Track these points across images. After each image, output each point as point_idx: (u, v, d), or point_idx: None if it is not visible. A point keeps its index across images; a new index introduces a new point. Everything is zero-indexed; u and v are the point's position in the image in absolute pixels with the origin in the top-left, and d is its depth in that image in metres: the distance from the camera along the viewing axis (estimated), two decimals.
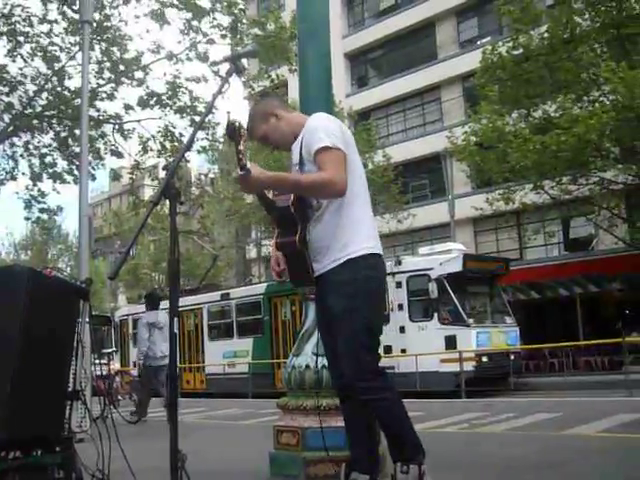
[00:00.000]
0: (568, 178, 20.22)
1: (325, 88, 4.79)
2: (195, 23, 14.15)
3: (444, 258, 17.15)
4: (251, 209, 31.17)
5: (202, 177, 27.32)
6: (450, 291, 16.63)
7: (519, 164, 18.51)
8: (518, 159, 18.38)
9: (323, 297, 3.42)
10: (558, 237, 26.49)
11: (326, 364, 4.33)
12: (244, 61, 3.33)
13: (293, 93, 28.36)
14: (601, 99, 18.56)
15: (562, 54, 18.25)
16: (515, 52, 19.45)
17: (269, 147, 3.76)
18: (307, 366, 4.47)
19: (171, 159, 14.33)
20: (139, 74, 14.28)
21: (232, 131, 3.02)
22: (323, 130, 3.33)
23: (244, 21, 14.55)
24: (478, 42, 28.94)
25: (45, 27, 13.89)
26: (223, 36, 14.34)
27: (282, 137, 3.57)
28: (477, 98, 21.98)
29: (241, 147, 3.01)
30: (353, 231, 3.36)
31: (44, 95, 14.45)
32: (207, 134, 15.15)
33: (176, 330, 2.94)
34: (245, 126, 3.58)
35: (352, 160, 3.38)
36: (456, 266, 16.82)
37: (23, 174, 14.96)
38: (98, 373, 9.81)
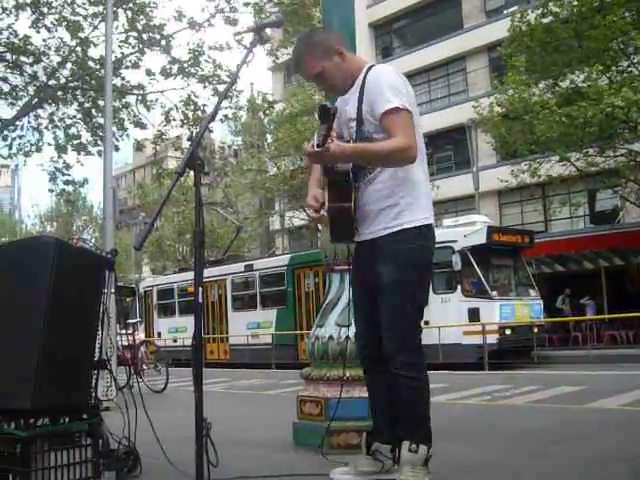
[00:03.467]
0: (595, 150, 19.96)
1: None
2: None
3: (468, 230, 17.06)
4: (275, 182, 31.18)
5: (226, 147, 27.25)
6: (474, 263, 16.55)
7: (545, 136, 18.31)
8: (544, 131, 18.17)
9: (370, 263, 3.21)
10: (584, 210, 26.23)
11: (350, 335, 4.17)
12: (268, 31, 3.28)
13: None
14: (630, 69, 18.25)
15: (592, 21, 17.92)
16: (544, 20, 19.13)
17: (319, 85, 3.42)
18: (331, 337, 4.48)
19: (194, 129, 14.33)
20: (163, 43, 14.25)
21: (327, 114, 2.87)
22: (391, 88, 3.05)
23: None
24: (505, 11, 28.48)
25: None
26: (246, 4, 14.25)
27: (343, 80, 3.22)
28: (503, 68, 21.70)
29: (333, 133, 2.94)
30: (410, 198, 3.16)
31: (68, 66, 14.48)
32: (230, 103, 15.14)
33: (200, 300, 2.96)
34: (296, 57, 3.31)
35: (416, 120, 3.13)
36: (480, 238, 16.73)
37: (49, 144, 15.04)
38: (123, 343, 9.93)
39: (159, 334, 25.01)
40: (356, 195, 3.15)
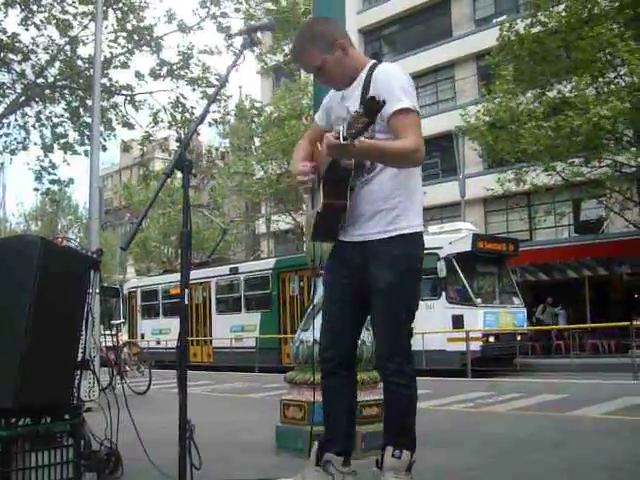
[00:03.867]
0: (580, 160, 20.10)
1: None
2: None
3: (454, 237, 17.12)
4: (261, 185, 31.15)
5: (213, 150, 27.18)
6: (459, 270, 16.61)
7: (531, 149, 18.43)
8: (530, 143, 18.29)
9: (359, 264, 3.11)
10: (568, 219, 26.38)
11: None
12: (259, 34, 3.26)
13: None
14: (616, 81, 18.39)
15: (580, 32, 18.04)
16: (533, 30, 19.26)
17: (317, 78, 3.27)
18: (315, 341, 4.47)
19: (182, 131, 14.33)
20: (153, 44, 14.24)
21: (376, 108, 2.56)
22: (401, 88, 2.96)
23: None
24: (494, 20, 28.63)
25: None
26: (237, 10, 14.28)
27: (343, 75, 3.10)
28: (491, 77, 21.82)
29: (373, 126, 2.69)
30: (408, 203, 3.09)
31: (57, 64, 14.44)
32: (219, 106, 15.14)
33: (186, 302, 2.95)
34: (297, 48, 3.15)
35: None
36: (465, 245, 16.79)
37: (35, 144, 14.99)
38: (107, 344, 9.88)
39: (142, 335, 24.89)
40: (351, 194, 3.03)
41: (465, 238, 17.02)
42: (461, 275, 16.67)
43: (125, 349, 12.49)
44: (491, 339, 16.44)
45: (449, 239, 16.98)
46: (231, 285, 22.62)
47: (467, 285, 16.72)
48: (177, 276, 2.98)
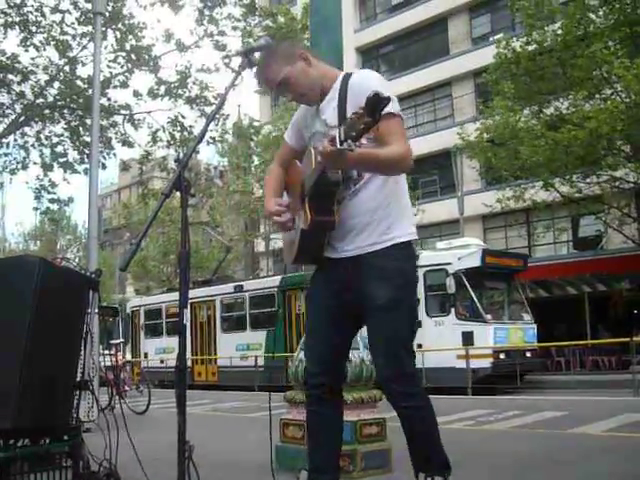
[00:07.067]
0: (578, 176, 20.14)
1: None
2: (208, 12, 14.15)
3: (463, 253, 16.94)
4: (260, 203, 31.18)
5: (212, 169, 27.24)
6: (468, 286, 16.39)
7: (530, 159, 18.45)
8: (529, 155, 18.32)
9: (353, 281, 2.91)
10: (567, 235, 26.39)
11: None
12: (257, 55, 3.25)
13: None
14: (613, 97, 18.48)
15: (576, 50, 18.15)
16: (529, 48, 19.37)
17: (286, 95, 3.06)
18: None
19: (181, 150, 14.37)
20: (151, 63, 14.32)
21: (381, 104, 2.32)
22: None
23: (256, 12, 14.55)
24: (490, 38, 28.81)
25: (57, 17, 13.93)
26: (234, 28, 14.35)
27: (310, 86, 2.96)
28: (489, 95, 21.91)
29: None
30: (400, 210, 2.96)
31: (56, 85, 14.50)
32: (216, 125, 15.18)
33: (187, 322, 2.95)
34: (258, 67, 3.06)
35: None
36: (475, 261, 16.61)
37: (35, 163, 15.02)
38: (106, 364, 9.86)
39: (146, 354, 24.74)
40: (338, 209, 2.86)
41: (474, 254, 16.84)
42: (470, 291, 16.43)
43: (127, 368, 12.45)
44: (502, 356, 16.27)
45: (458, 255, 16.79)
46: (236, 303, 22.46)
47: (477, 301, 16.49)
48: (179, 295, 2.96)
